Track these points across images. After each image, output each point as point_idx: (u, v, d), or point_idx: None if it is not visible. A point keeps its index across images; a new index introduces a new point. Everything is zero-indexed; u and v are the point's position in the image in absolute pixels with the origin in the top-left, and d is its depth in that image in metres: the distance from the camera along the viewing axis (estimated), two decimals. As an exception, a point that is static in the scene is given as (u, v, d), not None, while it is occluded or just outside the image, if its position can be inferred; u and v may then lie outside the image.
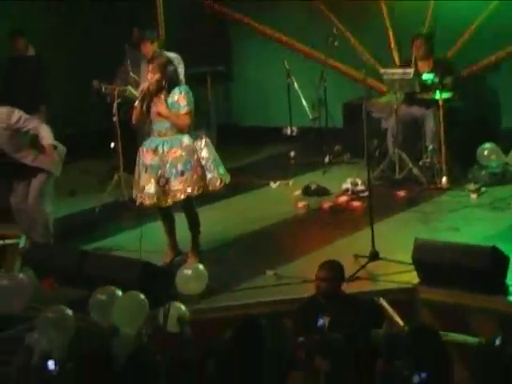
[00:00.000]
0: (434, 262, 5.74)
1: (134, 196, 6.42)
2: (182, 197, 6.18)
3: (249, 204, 7.95)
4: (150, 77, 6.27)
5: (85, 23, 10.27)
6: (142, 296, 5.08)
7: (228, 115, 10.75)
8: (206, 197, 6.52)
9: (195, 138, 6.28)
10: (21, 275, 5.70)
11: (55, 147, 6.65)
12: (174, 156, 6.18)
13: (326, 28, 9.39)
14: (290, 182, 8.48)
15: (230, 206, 7.82)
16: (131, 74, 8.31)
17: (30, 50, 8.89)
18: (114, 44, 9.40)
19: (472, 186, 7.71)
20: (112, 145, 7.98)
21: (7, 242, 6.98)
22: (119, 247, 6.88)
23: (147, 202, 6.23)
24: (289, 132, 9.55)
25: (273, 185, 8.46)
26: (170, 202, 6.22)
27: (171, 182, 6.16)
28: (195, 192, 6.20)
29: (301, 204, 7.75)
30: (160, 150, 6.21)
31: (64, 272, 6.12)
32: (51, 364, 4.47)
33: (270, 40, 10.23)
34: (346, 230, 6.98)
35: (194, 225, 6.44)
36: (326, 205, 7.67)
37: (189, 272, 5.90)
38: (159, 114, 6.25)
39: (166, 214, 6.46)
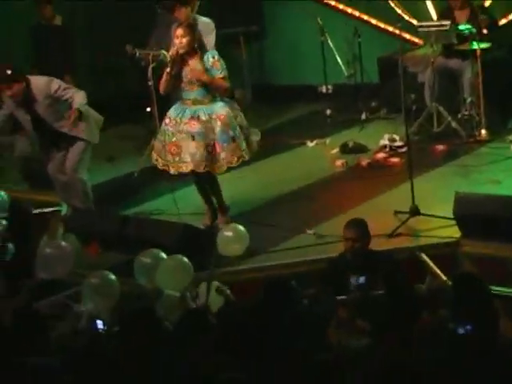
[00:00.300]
0: (475, 215, 5.69)
1: (161, 164, 6.33)
2: (237, 162, 6.20)
3: (286, 164, 7.92)
4: (178, 41, 6.14)
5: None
6: (186, 259, 5.11)
7: (262, 74, 10.68)
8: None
9: (231, 103, 6.28)
10: (63, 242, 5.77)
11: (80, 112, 6.61)
12: (222, 122, 6.13)
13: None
14: (327, 141, 8.43)
15: (267, 167, 7.79)
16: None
17: (56, 18, 8.88)
18: (145, 6, 9.38)
19: (512, 137, 7.62)
20: (148, 109, 7.98)
21: (49, 209, 7.08)
22: (159, 211, 6.92)
23: (201, 169, 6.13)
24: (324, 90, 9.46)
25: (309, 144, 8.42)
26: (221, 168, 6.19)
27: (224, 147, 6.12)
28: (245, 158, 6.24)
29: (338, 162, 7.71)
30: (202, 117, 6.15)
31: (106, 237, 6.19)
32: (100, 323, 4.52)
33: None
34: (385, 187, 6.94)
35: (214, 185, 6.42)
36: (364, 162, 7.62)
37: (230, 233, 5.90)
38: (192, 82, 6.15)
39: (199, 178, 6.42)
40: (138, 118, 8.80)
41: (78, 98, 6.66)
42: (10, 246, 5.79)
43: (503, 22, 8.62)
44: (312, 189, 7.18)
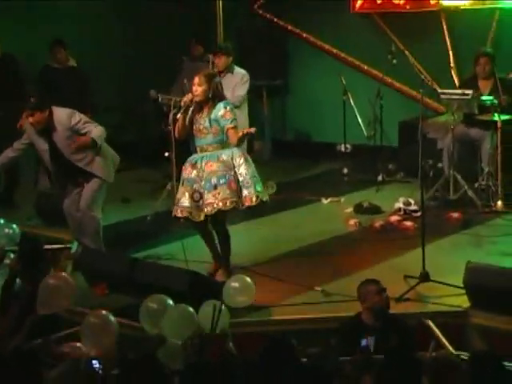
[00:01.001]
0: (486, 286, 5.64)
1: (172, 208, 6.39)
2: (213, 211, 6.10)
3: (299, 219, 7.92)
4: (194, 89, 6.21)
5: (141, 32, 10.36)
6: (192, 309, 5.08)
7: (283, 129, 10.76)
8: (254, 211, 6.50)
9: (235, 153, 6.23)
10: (64, 274, 5.73)
11: (95, 144, 6.68)
12: (209, 169, 6.14)
13: (384, 44, 9.37)
14: (342, 199, 8.43)
15: (280, 221, 7.80)
16: (186, 85, 8.35)
17: (70, 60, 9.00)
18: (169, 54, 9.51)
19: (528, 211, 7.60)
20: (166, 154, 8.03)
21: (59, 246, 7.07)
22: (169, 256, 6.91)
23: (180, 214, 6.19)
24: (343, 148, 9.52)
25: (324, 201, 8.43)
26: (202, 216, 6.16)
27: (204, 195, 6.12)
28: (226, 206, 6.10)
29: (352, 221, 7.70)
30: (198, 164, 6.20)
31: (114, 278, 6.17)
32: (95, 363, 4.48)
33: (328, 55, 10.24)
34: (396, 250, 6.91)
35: (223, 242, 6.40)
36: (378, 223, 7.61)
37: (236, 284, 5.86)
38: (200, 129, 6.22)
39: (201, 227, 6.39)
40: (156, 162, 8.85)
41: (96, 131, 6.73)
42: (18, 280, 5.77)
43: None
44: (323, 246, 7.15)
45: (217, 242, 6.45)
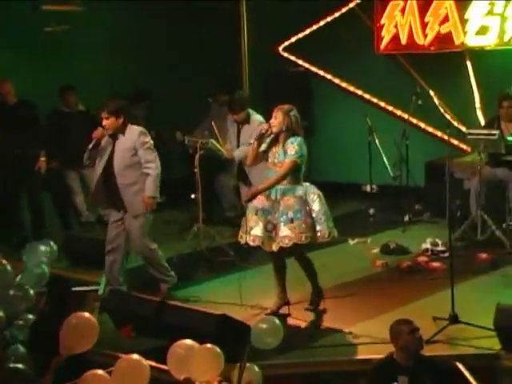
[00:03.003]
0: (517, 328, 5.57)
1: (239, 236, 6.51)
2: (289, 243, 6.27)
3: (326, 260, 7.86)
4: (271, 121, 6.45)
5: (166, 73, 10.47)
6: (219, 350, 5.06)
7: (308, 170, 10.73)
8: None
9: (309, 190, 6.41)
10: (87, 315, 5.72)
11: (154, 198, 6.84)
12: (286, 204, 6.31)
13: (409, 85, 9.40)
14: (369, 240, 8.41)
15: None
16: (214, 127, 8.43)
17: (79, 104, 9.12)
18: (194, 96, 9.60)
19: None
20: (193, 196, 8.07)
21: (87, 288, 7.10)
22: (196, 298, 6.91)
23: (252, 243, 6.37)
24: (368, 189, 9.51)
25: (351, 241, 8.40)
26: (274, 247, 6.34)
27: (279, 228, 6.29)
28: (302, 241, 6.29)
29: (379, 262, 7.67)
30: (273, 196, 6.36)
31: (141, 320, 6.16)
32: None
33: (353, 96, 10.29)
34: (424, 291, 6.86)
35: (308, 270, 6.60)
36: (405, 264, 7.56)
37: (264, 326, 5.85)
38: (275, 163, 6.42)
39: (275, 258, 6.55)
40: (182, 203, 8.89)
41: (153, 171, 6.82)
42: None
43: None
44: (350, 287, 7.11)
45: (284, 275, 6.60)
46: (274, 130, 6.42)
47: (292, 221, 6.27)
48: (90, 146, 6.85)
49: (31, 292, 6.14)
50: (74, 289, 7.07)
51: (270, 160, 6.47)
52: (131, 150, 6.82)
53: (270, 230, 6.33)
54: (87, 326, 5.22)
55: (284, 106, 6.49)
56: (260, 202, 6.41)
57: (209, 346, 4.98)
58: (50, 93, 8.98)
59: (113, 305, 6.50)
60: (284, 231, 6.27)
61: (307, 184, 6.47)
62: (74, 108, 9.07)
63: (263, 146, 6.47)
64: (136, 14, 10.32)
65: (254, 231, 6.36)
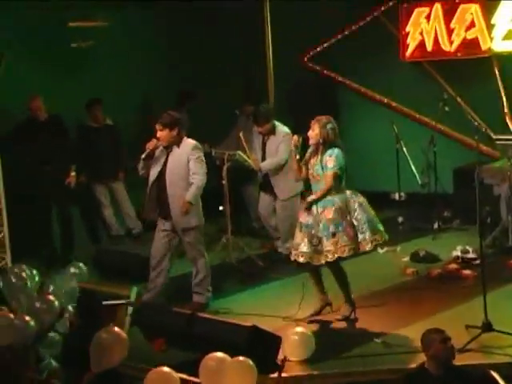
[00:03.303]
0: (552, 335, 5.50)
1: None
2: (333, 258, 6.34)
3: (356, 269, 7.79)
4: (309, 133, 6.50)
5: (192, 85, 10.50)
6: (251, 362, 5.05)
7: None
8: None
9: (349, 199, 6.43)
10: (116, 329, 5.73)
11: (191, 204, 6.85)
12: (327, 217, 6.35)
13: (436, 91, 9.35)
14: (398, 248, 8.36)
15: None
16: (242, 139, 8.42)
17: (106, 119, 9.17)
18: (220, 108, 9.61)
19: None
20: (221, 208, 8.08)
21: (118, 302, 7.10)
22: (226, 310, 6.90)
23: (301, 259, 6.42)
24: (397, 197, 9.47)
25: (380, 250, 8.33)
26: (322, 261, 6.40)
27: (324, 242, 6.34)
28: (345, 254, 6.35)
29: (409, 270, 7.62)
30: (314, 210, 6.40)
31: (172, 333, 6.16)
32: None
33: (378, 104, 10.25)
34: (456, 299, 6.81)
35: (340, 280, 6.61)
36: (436, 272, 7.51)
37: (295, 337, 5.84)
38: (314, 176, 6.48)
39: (313, 269, 6.59)
40: (210, 215, 8.88)
41: (198, 182, 6.83)
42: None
43: None
44: (381, 296, 7.08)
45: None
46: (311, 141, 6.49)
47: (334, 235, 6.33)
48: (143, 155, 6.89)
49: (56, 304, 6.16)
50: (104, 302, 7.08)
51: (310, 171, 6.53)
52: (184, 163, 6.85)
53: (316, 244, 6.37)
54: (116, 341, 5.23)
55: (322, 118, 6.53)
56: (303, 217, 6.47)
57: (241, 358, 4.98)
58: (77, 107, 9.05)
59: (144, 318, 6.51)
60: (327, 246, 6.34)
61: (349, 192, 6.49)
62: (102, 122, 9.13)
63: (304, 159, 6.52)
64: (161, 27, 10.36)
65: (300, 248, 6.43)
